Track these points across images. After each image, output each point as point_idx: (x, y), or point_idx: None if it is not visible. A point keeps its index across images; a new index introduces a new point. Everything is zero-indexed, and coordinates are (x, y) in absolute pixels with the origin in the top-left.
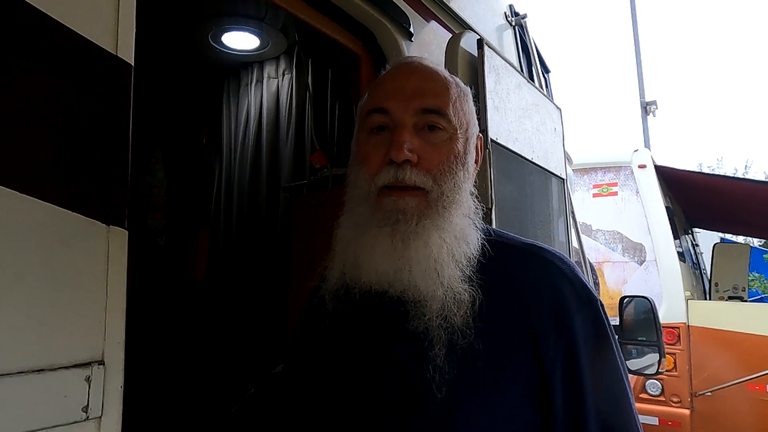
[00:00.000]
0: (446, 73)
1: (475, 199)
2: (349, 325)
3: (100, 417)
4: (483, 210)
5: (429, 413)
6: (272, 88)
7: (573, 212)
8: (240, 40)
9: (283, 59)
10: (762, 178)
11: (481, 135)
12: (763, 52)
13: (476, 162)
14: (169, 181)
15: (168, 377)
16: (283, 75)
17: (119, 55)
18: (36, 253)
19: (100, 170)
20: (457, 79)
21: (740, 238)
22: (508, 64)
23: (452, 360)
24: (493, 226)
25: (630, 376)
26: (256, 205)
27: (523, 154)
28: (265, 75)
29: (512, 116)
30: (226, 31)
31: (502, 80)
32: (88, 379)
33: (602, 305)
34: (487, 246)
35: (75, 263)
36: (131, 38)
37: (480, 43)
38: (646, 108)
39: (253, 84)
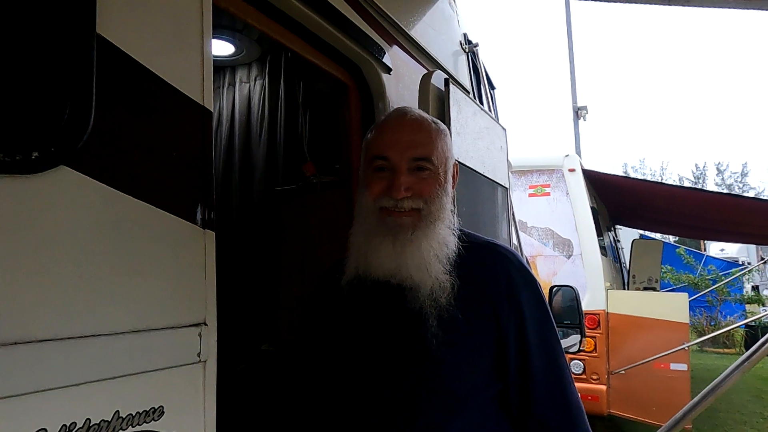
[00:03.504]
0: (430, 121)
1: (453, 213)
2: (363, 305)
3: (206, 361)
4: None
5: (426, 362)
6: (244, 92)
7: (513, 214)
8: (215, 47)
9: (255, 66)
10: (675, 180)
11: (457, 162)
12: (682, 62)
13: (453, 184)
14: None
15: None
16: (255, 80)
17: (204, 105)
18: (170, 250)
19: (198, 190)
20: (439, 123)
21: (657, 235)
22: (466, 96)
23: (443, 327)
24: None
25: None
26: (228, 202)
27: (476, 169)
28: (237, 79)
29: (469, 139)
30: None
31: (462, 110)
32: (199, 335)
33: (539, 285)
34: (461, 246)
35: (190, 256)
36: (211, 91)
37: (447, 81)
38: (578, 112)
39: (225, 87)
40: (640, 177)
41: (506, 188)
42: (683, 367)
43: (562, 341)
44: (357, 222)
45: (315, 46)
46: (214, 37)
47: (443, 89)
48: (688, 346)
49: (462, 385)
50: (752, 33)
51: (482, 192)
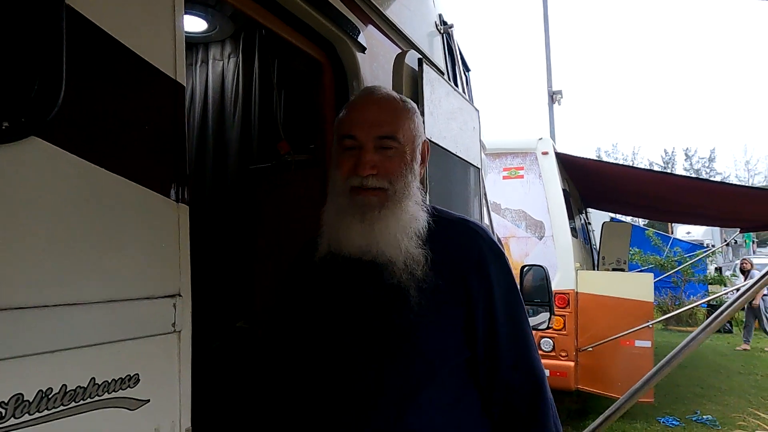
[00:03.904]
0: (398, 100)
1: (421, 190)
2: (338, 281)
3: (180, 331)
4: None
5: (402, 333)
6: (218, 70)
7: (485, 194)
8: (187, 23)
9: (229, 43)
10: (646, 165)
11: (427, 140)
12: (655, 49)
13: (424, 162)
14: None
15: None
16: (229, 58)
17: (177, 79)
18: (143, 222)
19: (171, 164)
20: (407, 101)
21: (627, 218)
22: (440, 77)
23: (422, 296)
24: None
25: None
26: (203, 179)
27: (449, 149)
28: (210, 57)
29: (442, 119)
30: None
31: (435, 90)
32: (174, 306)
33: (507, 259)
34: (432, 221)
35: (164, 229)
36: (183, 66)
37: (420, 61)
38: (553, 97)
39: (198, 65)
40: (612, 161)
41: (478, 168)
42: (647, 344)
43: (531, 319)
44: (329, 200)
45: (289, 23)
46: (186, 13)
47: (417, 69)
48: (652, 324)
49: (435, 354)
50: (721, 22)
51: (454, 171)
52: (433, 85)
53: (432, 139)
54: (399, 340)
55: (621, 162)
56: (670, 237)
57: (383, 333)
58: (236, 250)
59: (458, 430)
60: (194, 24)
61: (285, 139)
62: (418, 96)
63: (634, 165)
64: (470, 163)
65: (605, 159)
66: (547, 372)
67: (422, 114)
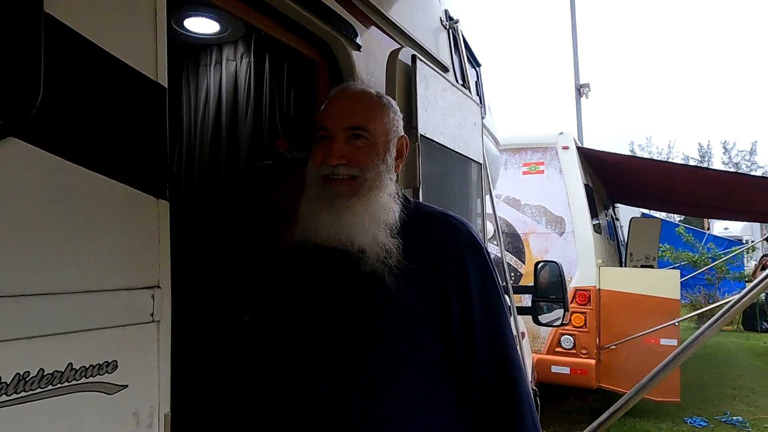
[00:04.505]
0: (372, 94)
1: (396, 183)
2: (319, 271)
3: (159, 321)
4: (411, 189)
5: (373, 324)
6: (231, 70)
7: (490, 190)
8: (200, 25)
9: (242, 43)
10: (681, 159)
11: (405, 136)
12: (691, 35)
13: (401, 157)
14: None
15: None
16: (242, 58)
17: (158, 81)
18: (122, 217)
19: (151, 161)
20: (384, 96)
21: (662, 214)
22: (435, 72)
23: (392, 289)
24: (421, 201)
25: (547, 330)
26: (215, 177)
27: (446, 145)
28: (224, 57)
29: (438, 115)
30: (188, 17)
31: (430, 86)
32: (152, 296)
33: (488, 252)
34: (412, 213)
35: (143, 224)
36: (165, 68)
37: (413, 57)
38: (580, 90)
39: (212, 66)
40: (646, 156)
41: (479, 164)
42: (673, 342)
43: (546, 315)
44: (305, 190)
45: (282, 24)
46: (198, 15)
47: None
48: (678, 322)
49: (408, 344)
50: (763, 5)
51: (452, 167)
52: (427, 81)
53: (426, 135)
54: (372, 329)
55: (656, 157)
56: (705, 233)
57: (357, 322)
58: (244, 245)
59: (432, 421)
60: (207, 26)
61: (289, 137)
62: (411, 92)
63: (670, 159)
64: (470, 159)
65: (639, 153)
66: (567, 369)
67: (416, 110)
